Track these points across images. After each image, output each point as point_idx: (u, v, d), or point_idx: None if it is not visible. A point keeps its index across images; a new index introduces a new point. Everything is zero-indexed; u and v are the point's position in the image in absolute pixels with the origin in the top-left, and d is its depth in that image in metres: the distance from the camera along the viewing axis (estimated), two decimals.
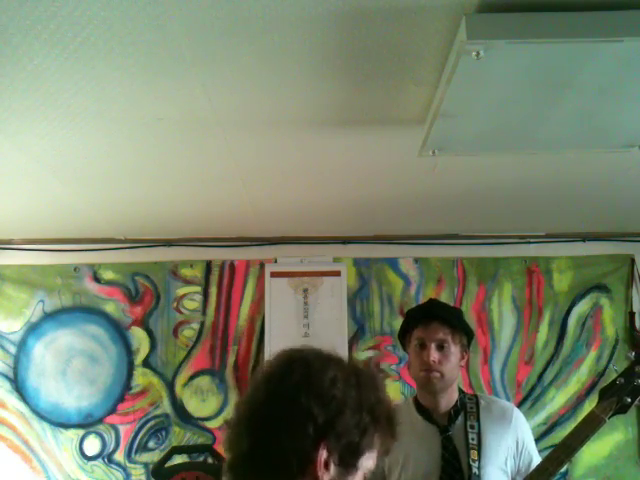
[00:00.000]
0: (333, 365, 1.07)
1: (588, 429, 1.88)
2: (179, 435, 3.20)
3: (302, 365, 1.06)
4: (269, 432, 1.02)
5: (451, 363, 2.04)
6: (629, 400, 1.89)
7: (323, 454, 1.01)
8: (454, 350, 2.05)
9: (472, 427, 2.04)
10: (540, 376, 3.24)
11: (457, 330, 2.07)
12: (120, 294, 3.29)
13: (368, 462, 1.07)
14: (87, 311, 3.28)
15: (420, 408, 2.10)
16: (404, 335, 2.16)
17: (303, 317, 3.26)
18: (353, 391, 1.05)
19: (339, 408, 1.02)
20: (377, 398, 1.07)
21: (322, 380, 1.04)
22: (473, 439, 2.01)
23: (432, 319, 2.06)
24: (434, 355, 2.02)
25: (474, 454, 1.99)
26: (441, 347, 2.04)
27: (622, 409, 1.90)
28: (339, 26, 1.39)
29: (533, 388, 3.24)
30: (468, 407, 2.08)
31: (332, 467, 1.02)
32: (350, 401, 1.03)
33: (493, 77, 1.46)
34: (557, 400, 3.23)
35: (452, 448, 2.01)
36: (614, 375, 1.95)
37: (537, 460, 2.04)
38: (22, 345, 3.23)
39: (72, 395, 3.22)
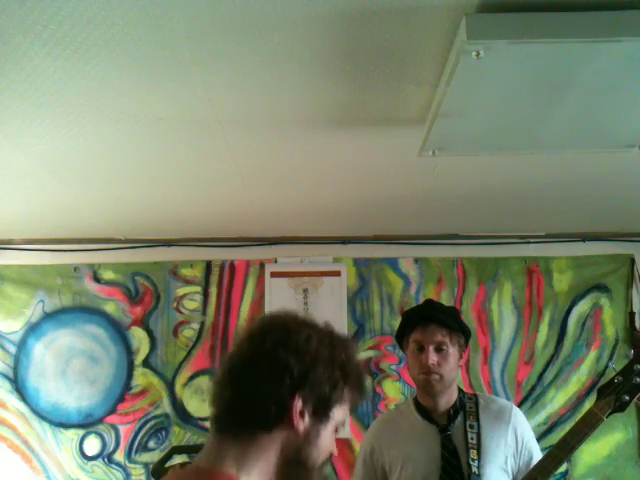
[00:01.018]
0: (308, 326, 1.19)
1: (587, 427, 1.88)
2: (179, 435, 3.20)
3: (281, 325, 1.18)
4: (250, 382, 1.12)
5: (450, 364, 2.04)
6: (627, 398, 1.89)
7: (298, 403, 1.10)
8: (452, 351, 2.05)
9: (471, 427, 2.05)
10: (540, 376, 3.25)
11: (455, 331, 2.07)
12: (120, 294, 3.29)
13: (339, 414, 1.17)
14: (87, 311, 3.28)
15: (420, 408, 2.11)
16: (401, 336, 2.16)
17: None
18: (326, 349, 1.15)
19: (313, 362, 1.12)
20: (347, 356, 1.18)
21: (298, 337, 1.14)
22: (472, 438, 2.02)
23: (430, 321, 2.06)
24: (433, 358, 2.02)
25: (473, 453, 1.99)
26: (439, 349, 2.04)
27: (620, 407, 1.90)
28: (339, 26, 1.39)
29: (533, 388, 3.24)
30: (467, 407, 2.09)
31: (306, 416, 1.12)
32: (323, 357, 1.14)
33: (493, 77, 1.46)
34: (557, 400, 3.23)
35: (452, 447, 2.02)
36: (613, 374, 1.95)
37: (538, 457, 2.04)
38: (22, 345, 3.23)
39: (72, 395, 3.22)
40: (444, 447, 2.03)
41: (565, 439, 1.90)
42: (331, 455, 1.20)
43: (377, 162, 2.28)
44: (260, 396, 1.11)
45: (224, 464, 1.09)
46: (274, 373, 1.11)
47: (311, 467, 1.15)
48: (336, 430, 1.19)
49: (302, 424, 1.11)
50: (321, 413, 1.14)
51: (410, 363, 2.11)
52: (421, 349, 2.05)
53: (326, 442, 1.16)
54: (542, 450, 2.12)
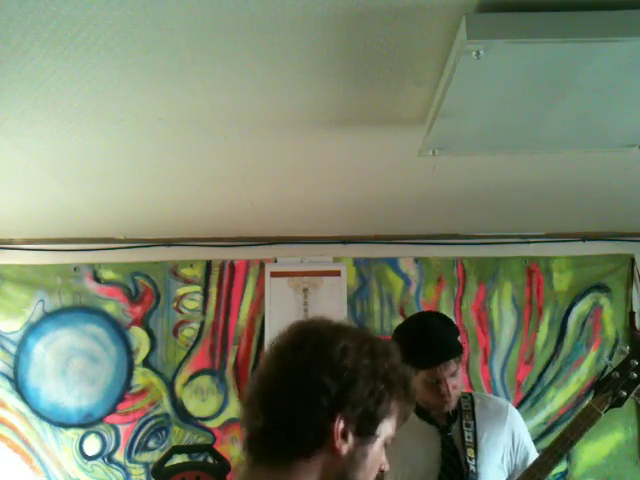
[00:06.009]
0: (344, 335, 1.07)
1: (585, 423, 1.90)
2: (179, 435, 3.20)
3: (312, 337, 1.06)
4: (283, 407, 1.03)
5: (461, 381, 2.05)
6: (624, 394, 1.91)
7: (340, 425, 1.01)
8: (460, 369, 2.05)
9: (468, 425, 2.05)
10: (540, 376, 3.25)
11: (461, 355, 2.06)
12: (120, 294, 3.29)
13: (387, 429, 1.07)
14: (87, 311, 3.28)
15: (419, 409, 2.10)
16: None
17: (303, 317, 3.26)
18: (366, 360, 1.04)
19: (352, 378, 1.02)
20: (391, 365, 1.07)
21: (333, 351, 1.03)
22: (469, 437, 2.02)
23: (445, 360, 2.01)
24: (451, 384, 1.99)
25: (470, 452, 2.00)
26: (453, 375, 2.01)
27: (618, 402, 1.92)
28: (339, 26, 1.39)
29: (533, 388, 3.24)
30: (463, 405, 2.09)
31: (350, 437, 1.02)
32: (363, 370, 1.03)
33: (493, 77, 1.46)
34: (557, 400, 3.23)
35: (453, 448, 2.02)
36: (609, 369, 1.97)
37: (534, 455, 2.05)
38: (22, 345, 3.23)
39: (72, 395, 3.22)
40: (445, 448, 2.02)
41: (564, 435, 1.91)
42: (382, 471, 1.11)
43: (377, 162, 2.28)
44: (295, 422, 1.01)
45: None
46: (308, 395, 1.01)
47: None
48: (385, 444, 1.10)
49: (345, 446, 1.02)
50: (367, 431, 1.04)
51: (420, 389, 2.02)
52: (437, 382, 2.00)
53: (374, 461, 1.07)
54: (542, 449, 2.12)
